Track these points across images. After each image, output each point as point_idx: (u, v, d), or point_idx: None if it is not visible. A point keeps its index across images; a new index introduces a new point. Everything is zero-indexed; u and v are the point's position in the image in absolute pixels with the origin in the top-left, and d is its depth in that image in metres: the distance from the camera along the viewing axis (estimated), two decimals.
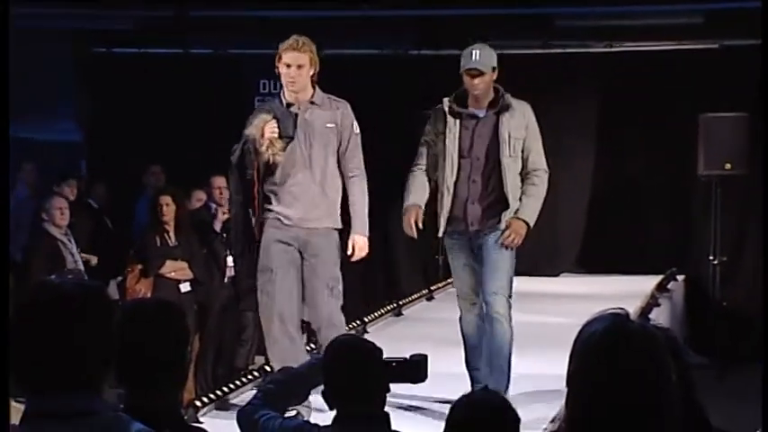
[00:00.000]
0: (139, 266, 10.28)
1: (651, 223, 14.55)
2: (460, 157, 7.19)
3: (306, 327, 7.46)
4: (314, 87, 7.16)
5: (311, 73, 7.09)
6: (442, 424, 3.58)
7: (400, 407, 6.95)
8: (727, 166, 12.86)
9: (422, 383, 4.18)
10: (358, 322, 10.34)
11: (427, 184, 7.31)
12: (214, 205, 10.93)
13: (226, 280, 10.44)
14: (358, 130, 7.23)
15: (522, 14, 13.74)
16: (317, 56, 7.11)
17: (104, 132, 14.72)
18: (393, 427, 4.05)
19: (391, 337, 9.62)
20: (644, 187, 14.51)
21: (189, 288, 10.23)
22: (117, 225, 12.45)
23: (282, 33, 7.20)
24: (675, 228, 14.47)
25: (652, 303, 11.66)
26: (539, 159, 7.26)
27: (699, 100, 13.39)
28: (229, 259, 10.11)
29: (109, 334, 2.67)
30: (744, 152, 12.73)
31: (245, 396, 7.30)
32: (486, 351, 7.14)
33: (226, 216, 10.04)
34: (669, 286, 12.95)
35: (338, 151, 7.17)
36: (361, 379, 3.99)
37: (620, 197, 14.61)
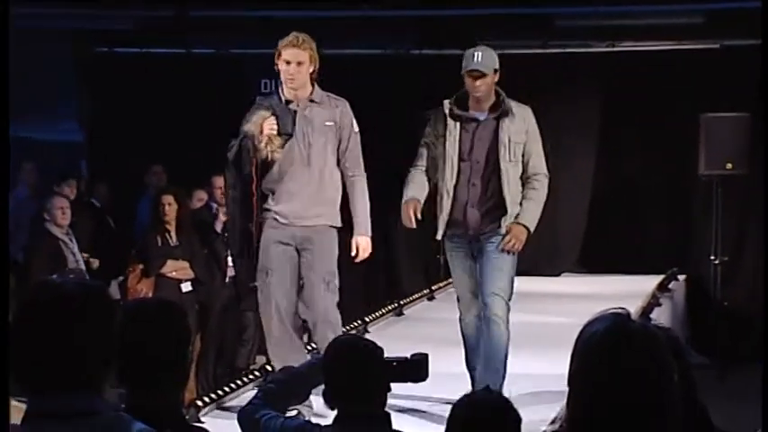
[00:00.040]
0: (141, 266, 10.29)
1: (652, 223, 14.55)
2: (460, 160, 7.17)
3: (305, 326, 7.44)
4: (313, 85, 7.13)
5: (311, 70, 7.06)
6: (443, 424, 3.59)
7: (401, 407, 6.94)
8: (728, 165, 12.86)
9: (423, 383, 4.18)
10: (359, 322, 10.34)
11: (426, 183, 7.29)
12: (215, 205, 10.94)
13: (227, 280, 10.45)
14: (357, 129, 7.22)
15: (523, 14, 13.73)
16: (316, 53, 7.08)
17: (106, 132, 14.72)
18: (394, 427, 4.05)
19: (392, 337, 9.62)
20: (645, 187, 14.50)
21: (190, 288, 10.24)
22: (119, 225, 12.46)
23: (284, 33, 7.18)
24: (676, 227, 14.47)
25: (653, 303, 11.66)
26: (539, 164, 7.24)
27: (699, 100, 13.39)
28: (230, 259, 10.12)
29: (110, 334, 2.68)
30: (745, 152, 12.74)
31: (246, 396, 7.29)
32: (482, 352, 7.13)
33: (227, 216, 10.04)
34: (670, 286, 12.95)
35: (338, 150, 7.15)
36: (361, 379, 3.99)
37: (621, 197, 14.62)
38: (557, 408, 6.94)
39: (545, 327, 10.00)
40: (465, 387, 6.82)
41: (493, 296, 7.04)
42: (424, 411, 7.16)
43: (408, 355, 4.13)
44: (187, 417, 4.89)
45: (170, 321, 3.38)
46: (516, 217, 7.16)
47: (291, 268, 7.08)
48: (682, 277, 13.53)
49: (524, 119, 7.22)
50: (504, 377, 6.99)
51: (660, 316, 10.91)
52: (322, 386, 4.09)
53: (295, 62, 7.01)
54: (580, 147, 14.50)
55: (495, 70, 7.14)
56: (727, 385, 10.82)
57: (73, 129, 15.06)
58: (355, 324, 10.19)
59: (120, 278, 10.77)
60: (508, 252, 7.12)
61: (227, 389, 7.88)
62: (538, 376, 7.66)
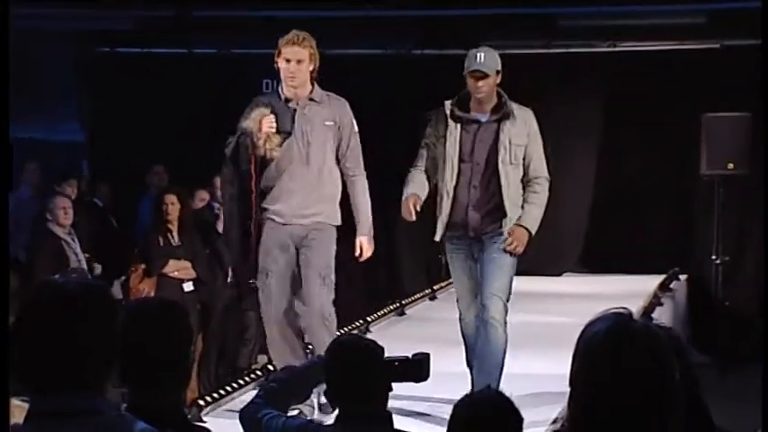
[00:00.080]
0: (143, 266, 10.29)
1: (653, 223, 14.55)
2: (461, 161, 7.15)
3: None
4: (313, 84, 7.10)
5: (311, 68, 7.04)
6: (445, 423, 3.59)
7: (403, 406, 6.94)
8: (730, 165, 12.88)
9: (424, 383, 4.18)
10: (361, 321, 10.34)
11: (426, 182, 7.27)
12: (217, 205, 10.94)
13: (229, 280, 10.45)
14: (356, 129, 7.21)
15: (526, 14, 13.74)
16: (317, 51, 7.05)
17: (107, 132, 14.74)
18: (395, 427, 4.05)
19: (394, 337, 9.62)
20: (646, 187, 14.51)
21: (192, 287, 10.24)
22: (120, 224, 12.47)
23: (286, 33, 7.16)
24: (677, 227, 14.47)
25: (654, 303, 11.66)
26: (540, 167, 7.22)
27: (701, 100, 13.41)
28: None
29: (112, 333, 2.68)
30: (746, 152, 12.75)
31: (248, 395, 7.30)
32: (478, 353, 7.11)
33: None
34: (672, 286, 12.95)
35: (338, 150, 7.14)
36: (362, 379, 3.99)
37: (622, 197, 14.62)
38: (558, 408, 6.94)
39: (546, 327, 10.00)
40: (466, 387, 6.83)
41: (492, 297, 7.02)
42: (425, 411, 7.15)
43: (410, 355, 4.13)
44: (189, 416, 4.90)
45: (172, 321, 3.38)
46: (518, 219, 7.15)
47: (291, 269, 7.07)
48: (683, 277, 13.53)
49: (526, 121, 7.20)
50: (499, 381, 6.97)
51: (661, 316, 10.91)
52: (323, 385, 4.10)
53: (295, 60, 6.99)
54: (582, 146, 14.51)
55: (498, 71, 7.11)
56: (728, 385, 10.82)
57: (74, 129, 15.08)
58: (357, 324, 10.20)
59: (123, 278, 10.78)
60: (510, 253, 7.12)
61: (228, 388, 7.88)
62: (539, 376, 7.66)
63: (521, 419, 3.54)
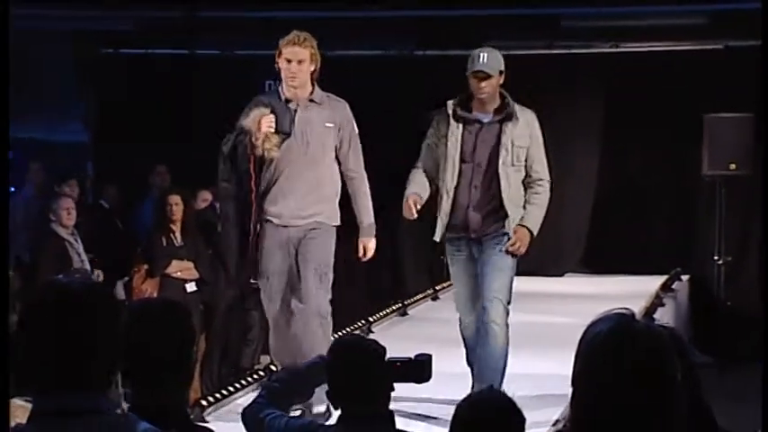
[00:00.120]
0: (146, 266, 10.30)
1: (655, 223, 14.55)
2: (462, 161, 7.13)
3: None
4: (313, 85, 7.08)
5: (312, 69, 7.01)
6: (447, 424, 3.58)
7: (405, 407, 6.94)
8: (732, 166, 12.89)
9: (426, 383, 4.19)
10: (363, 322, 10.34)
11: (427, 182, 7.26)
12: (219, 205, 10.94)
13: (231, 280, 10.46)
14: (356, 130, 7.19)
15: (527, 15, 13.74)
16: (317, 52, 7.02)
17: (111, 133, 14.74)
18: (397, 427, 4.06)
19: (396, 337, 9.63)
20: (649, 187, 14.51)
21: (195, 288, 10.26)
22: (124, 225, 12.48)
23: (288, 34, 7.16)
24: (680, 228, 14.47)
25: (657, 303, 11.66)
26: (541, 169, 7.20)
27: (703, 100, 13.40)
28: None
29: (115, 333, 2.68)
30: (748, 152, 12.76)
31: (250, 396, 7.30)
32: (478, 358, 7.08)
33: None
34: (674, 286, 12.95)
35: (338, 151, 7.12)
36: (364, 379, 3.99)
37: (624, 197, 14.62)
38: (560, 409, 6.94)
39: (549, 327, 10.00)
40: (468, 387, 6.84)
41: (492, 300, 7.00)
42: (427, 411, 7.15)
43: (412, 356, 4.13)
44: (192, 416, 4.91)
45: (175, 321, 3.39)
46: (520, 220, 7.14)
47: (291, 270, 7.05)
48: (685, 277, 13.53)
49: (528, 123, 7.18)
50: (500, 385, 6.96)
51: (663, 316, 10.92)
52: (325, 386, 4.11)
53: (296, 60, 6.97)
54: (584, 147, 14.51)
55: (501, 72, 7.10)
56: (728, 385, 10.81)
57: (78, 129, 15.10)
58: (359, 324, 10.20)
59: (126, 278, 10.79)
60: (511, 254, 7.11)
61: (231, 388, 7.89)
62: (541, 376, 7.66)
63: (523, 420, 3.53)
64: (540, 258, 13.08)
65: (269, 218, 7.05)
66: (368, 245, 7.23)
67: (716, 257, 13.17)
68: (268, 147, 6.91)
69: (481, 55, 7.06)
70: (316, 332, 6.86)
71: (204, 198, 11.18)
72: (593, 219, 14.65)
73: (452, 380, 6.69)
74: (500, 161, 7.08)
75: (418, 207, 7.12)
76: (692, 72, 13.75)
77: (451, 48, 12.59)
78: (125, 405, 3.25)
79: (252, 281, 7.23)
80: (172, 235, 10.24)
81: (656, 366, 2.49)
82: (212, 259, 10.53)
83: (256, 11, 13.68)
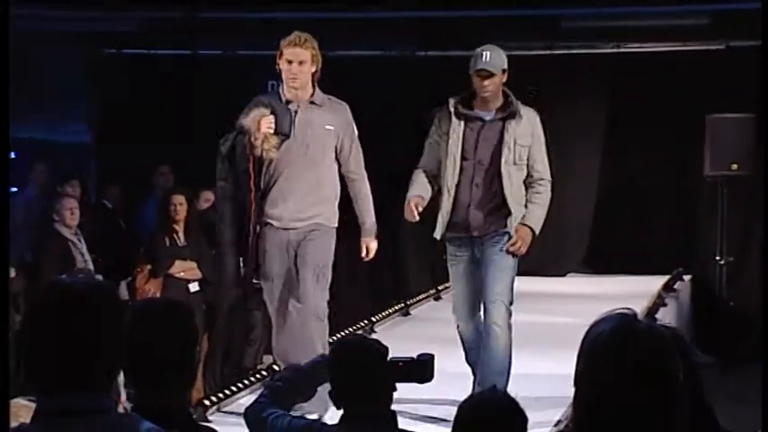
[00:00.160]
0: (149, 267, 10.31)
1: (657, 223, 14.56)
2: (463, 158, 7.12)
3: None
4: (314, 87, 7.07)
5: (313, 70, 7.00)
6: (449, 424, 3.59)
7: (407, 407, 6.94)
8: (734, 166, 12.89)
9: (428, 383, 4.19)
10: (366, 322, 10.36)
11: (429, 184, 7.24)
12: None
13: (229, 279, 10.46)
14: (356, 133, 7.17)
15: (529, 16, 13.74)
16: (319, 53, 7.01)
17: (114, 133, 14.75)
18: (400, 427, 4.06)
19: (399, 337, 9.63)
20: (650, 187, 14.51)
21: (198, 288, 10.26)
22: (127, 225, 12.49)
23: (289, 35, 7.16)
24: (681, 228, 14.47)
25: (658, 303, 11.67)
26: (543, 168, 7.19)
27: (705, 101, 13.40)
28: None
29: (119, 333, 2.69)
30: (750, 153, 12.75)
31: (253, 395, 7.30)
32: (481, 360, 7.07)
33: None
34: (675, 286, 12.96)
35: (338, 154, 7.11)
36: (367, 379, 4.00)
37: (626, 197, 14.62)
38: (562, 409, 6.94)
39: (550, 327, 10.00)
40: (471, 387, 6.85)
41: (494, 302, 6.99)
42: (430, 411, 7.16)
43: (414, 356, 4.14)
44: (194, 416, 4.91)
45: (178, 321, 3.39)
46: (522, 219, 7.13)
47: (291, 272, 7.04)
48: (687, 277, 13.53)
49: (530, 121, 7.17)
50: (505, 387, 6.96)
51: (665, 316, 10.91)
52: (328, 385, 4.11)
53: (297, 61, 6.95)
54: (586, 147, 14.51)
55: (504, 70, 7.09)
56: (730, 385, 10.81)
57: (81, 130, 15.11)
58: (362, 324, 10.21)
59: (129, 279, 10.80)
60: (512, 254, 7.11)
61: (234, 388, 7.90)
62: (543, 377, 7.66)
63: (525, 420, 3.53)
64: (542, 258, 13.09)
65: (269, 221, 7.04)
66: (370, 245, 7.24)
67: (718, 257, 13.17)
68: (267, 147, 6.89)
69: (484, 53, 7.04)
70: (312, 332, 6.86)
71: (207, 198, 11.18)
72: (596, 219, 14.66)
73: (455, 380, 6.70)
74: (502, 160, 7.08)
75: (420, 210, 7.11)
76: (693, 72, 13.75)
77: (452, 48, 12.60)
78: (128, 405, 3.25)
79: (255, 281, 7.22)
80: (175, 235, 10.25)
81: (659, 366, 2.50)
82: (215, 259, 10.53)
83: (258, 11, 13.69)
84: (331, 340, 7.24)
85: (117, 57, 14.85)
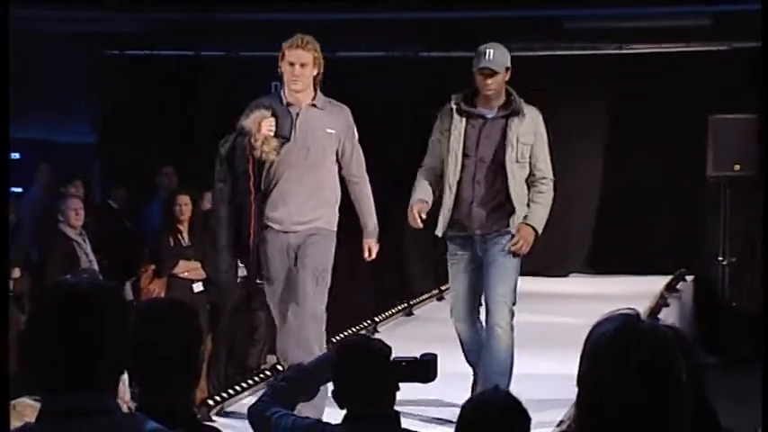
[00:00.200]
0: (153, 267, 10.33)
1: (660, 224, 14.55)
2: (465, 156, 7.11)
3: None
4: (316, 89, 7.04)
5: (314, 73, 6.98)
6: (452, 424, 3.59)
7: (410, 407, 6.95)
8: (736, 167, 12.89)
9: (431, 383, 4.20)
10: (369, 322, 10.36)
11: (431, 187, 7.24)
12: None
13: (238, 280, 10.46)
14: (357, 136, 7.14)
15: (531, 17, 13.74)
16: (321, 56, 6.99)
17: (117, 134, 14.77)
18: (403, 427, 4.07)
19: (402, 337, 9.63)
20: (653, 188, 14.50)
21: (202, 288, 10.27)
22: (131, 226, 12.51)
23: (293, 36, 7.16)
24: (684, 228, 14.47)
25: (661, 304, 11.67)
26: (546, 167, 7.19)
27: (708, 101, 13.40)
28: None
29: (124, 333, 2.69)
30: (753, 153, 12.75)
31: (257, 395, 7.31)
32: (483, 361, 7.07)
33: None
34: (678, 287, 12.95)
35: (340, 158, 7.09)
36: (370, 379, 4.00)
37: (629, 198, 14.62)
38: (564, 409, 6.94)
39: (553, 327, 10.00)
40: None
41: (497, 303, 6.99)
42: (433, 411, 7.16)
43: (418, 355, 4.14)
44: (198, 416, 4.92)
45: (182, 321, 3.40)
46: (524, 218, 7.12)
47: (292, 275, 7.03)
48: (690, 278, 13.52)
49: (533, 120, 7.17)
50: (507, 387, 6.95)
51: (668, 316, 10.91)
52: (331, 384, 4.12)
53: (299, 63, 6.93)
54: (588, 148, 14.51)
55: (507, 68, 7.09)
56: (733, 385, 10.81)
57: (84, 131, 15.13)
58: (365, 324, 10.22)
59: (133, 279, 10.82)
60: (514, 254, 7.11)
61: (238, 388, 7.91)
62: (546, 377, 7.65)
63: (528, 420, 3.53)
64: (545, 259, 13.08)
65: (269, 224, 7.03)
66: (372, 246, 7.23)
67: (720, 258, 13.17)
68: (266, 150, 6.87)
69: (487, 51, 7.04)
70: (309, 335, 6.86)
71: (210, 199, 11.20)
72: (598, 219, 14.66)
73: (458, 379, 6.71)
74: (506, 158, 7.07)
75: (423, 216, 7.11)
76: (696, 73, 13.75)
77: (455, 49, 12.60)
78: (133, 404, 3.26)
79: (258, 281, 7.23)
80: (179, 235, 10.26)
81: (662, 366, 2.50)
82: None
83: (260, 12, 13.69)
84: (334, 340, 7.24)
85: (119, 58, 14.86)
